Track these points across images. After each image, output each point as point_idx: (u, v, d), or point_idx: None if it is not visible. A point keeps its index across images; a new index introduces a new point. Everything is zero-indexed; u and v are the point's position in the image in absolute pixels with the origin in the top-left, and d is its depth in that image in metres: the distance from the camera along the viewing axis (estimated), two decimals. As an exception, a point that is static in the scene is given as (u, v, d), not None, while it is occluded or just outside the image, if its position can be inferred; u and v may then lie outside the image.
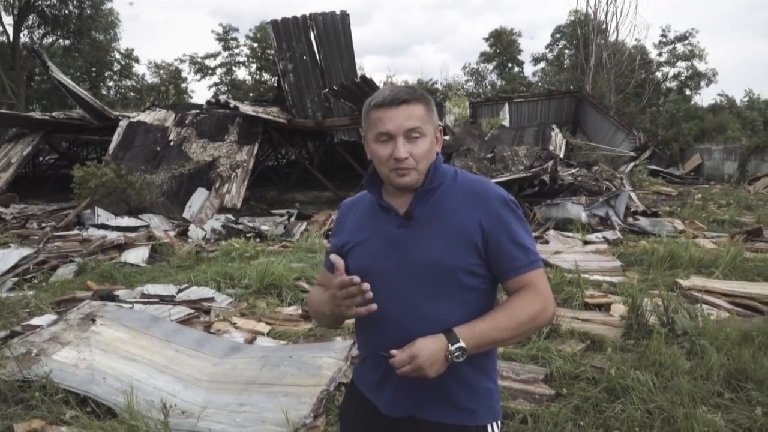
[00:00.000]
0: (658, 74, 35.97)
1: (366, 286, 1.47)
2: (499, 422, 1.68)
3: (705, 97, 44.54)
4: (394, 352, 1.47)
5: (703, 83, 35.56)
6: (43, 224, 11.07)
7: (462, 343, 1.45)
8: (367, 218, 1.70)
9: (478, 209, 1.58)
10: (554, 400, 3.48)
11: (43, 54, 15.63)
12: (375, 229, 1.66)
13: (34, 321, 4.95)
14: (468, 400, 1.61)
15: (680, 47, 35.72)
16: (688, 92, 35.50)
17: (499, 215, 1.57)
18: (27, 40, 33.34)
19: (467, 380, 1.59)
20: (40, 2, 31.87)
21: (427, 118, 1.58)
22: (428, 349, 1.45)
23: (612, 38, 32.07)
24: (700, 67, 35.35)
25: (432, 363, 1.45)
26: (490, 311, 1.57)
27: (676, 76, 36.21)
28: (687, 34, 35.29)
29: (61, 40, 35.10)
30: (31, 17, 32.88)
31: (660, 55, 36.27)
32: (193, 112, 15.07)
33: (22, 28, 32.58)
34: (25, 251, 7.75)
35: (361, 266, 1.66)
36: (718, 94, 36.63)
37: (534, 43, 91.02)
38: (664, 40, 35.93)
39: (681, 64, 35.88)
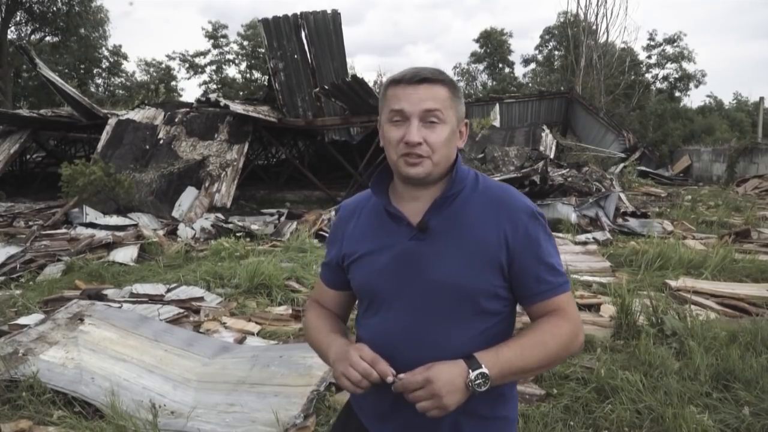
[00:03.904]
0: (648, 76, 36.26)
1: (390, 380, 1.30)
2: None
3: (694, 99, 45.01)
4: (401, 375, 1.29)
5: (692, 85, 35.93)
6: (31, 222, 10.98)
7: (484, 369, 1.27)
8: (373, 226, 1.48)
9: (503, 223, 1.38)
10: (544, 400, 3.49)
11: (30, 51, 15.46)
12: (382, 241, 1.44)
13: (22, 320, 4.90)
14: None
15: (669, 49, 36.05)
16: (677, 94, 35.83)
17: (527, 231, 1.39)
18: (14, 36, 33.07)
19: (480, 411, 1.40)
20: (28, -1, 31.63)
21: (450, 103, 1.37)
22: (447, 374, 1.25)
23: (602, 40, 32.25)
24: (689, 68, 35.73)
25: (450, 390, 1.24)
26: (515, 337, 1.39)
27: (665, 78, 36.55)
28: (675, 37, 35.64)
29: (49, 37, 34.85)
30: (18, 13, 32.59)
31: (649, 57, 36.61)
32: (183, 110, 15.01)
33: (10, 25, 32.29)
34: (12, 250, 7.68)
35: (366, 284, 1.48)
36: (707, 96, 37.06)
37: (530, 44, 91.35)
38: (652, 43, 36.27)
39: (670, 66, 36.23)
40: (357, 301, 1.60)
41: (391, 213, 1.44)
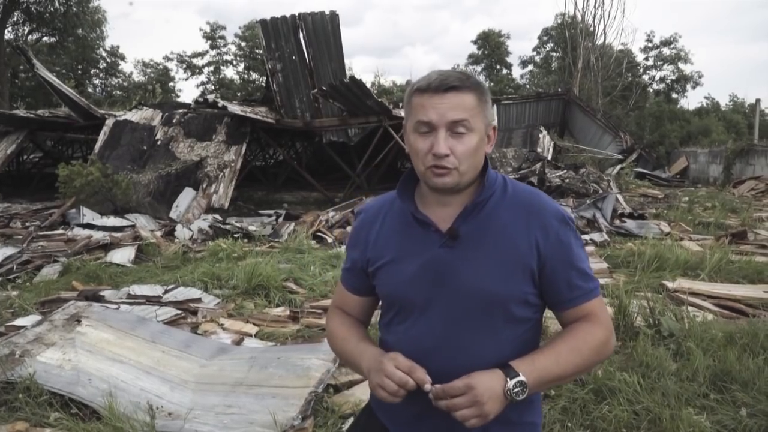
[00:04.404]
0: (645, 77, 36.38)
1: (428, 389, 1.28)
2: None
3: (691, 100, 45.32)
4: (438, 388, 1.27)
5: (689, 86, 36.07)
6: (28, 223, 10.95)
7: (522, 377, 1.26)
8: (399, 232, 1.45)
9: (534, 228, 1.37)
10: (542, 401, 3.48)
11: (28, 51, 15.45)
12: (410, 247, 1.41)
13: (18, 321, 4.89)
14: None
15: (666, 51, 36.20)
16: (674, 95, 35.97)
17: (558, 236, 1.37)
18: (12, 36, 32.99)
19: (509, 417, 1.37)
20: (25, -1, 31.56)
21: (478, 110, 1.34)
22: (487, 381, 1.25)
23: (599, 42, 32.32)
24: (686, 69, 35.89)
25: (491, 397, 1.23)
26: (549, 344, 1.38)
27: (662, 79, 36.67)
28: (671, 39, 35.80)
29: (46, 37, 34.79)
30: (16, 14, 32.52)
31: (647, 59, 36.74)
32: (181, 111, 15.00)
33: (7, 25, 32.23)
34: (9, 251, 7.67)
35: (395, 292, 1.45)
36: (705, 97, 37.20)
37: (527, 45, 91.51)
38: (649, 45, 36.42)
39: (667, 68, 36.37)
40: (381, 306, 1.57)
41: (419, 219, 1.41)
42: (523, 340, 1.40)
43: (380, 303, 1.59)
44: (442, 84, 1.31)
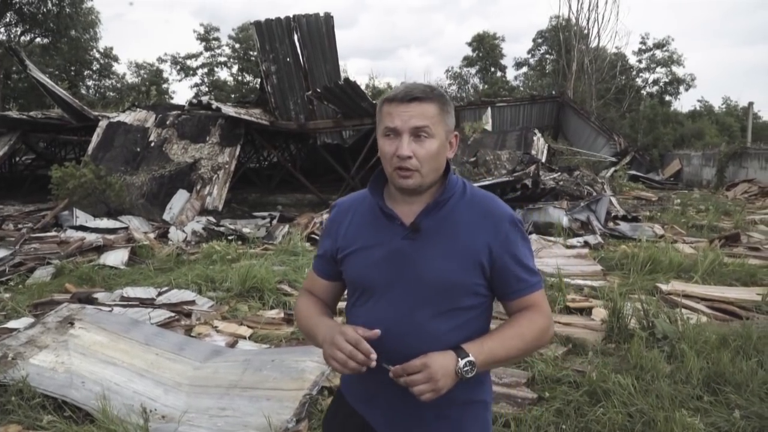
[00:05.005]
0: (639, 80, 36.53)
1: (373, 358, 1.41)
2: None
3: (684, 103, 45.48)
4: (398, 367, 1.42)
5: (681, 88, 36.24)
6: (20, 225, 10.89)
7: (471, 357, 1.43)
8: (368, 224, 1.62)
9: (487, 229, 1.54)
10: (536, 403, 3.50)
11: (20, 52, 15.37)
12: (377, 237, 1.58)
13: (11, 324, 4.87)
14: (459, 415, 1.58)
15: (659, 53, 36.38)
16: (667, 98, 36.13)
17: (508, 236, 1.54)
18: (4, 37, 32.82)
19: (460, 396, 1.54)
20: (18, 0, 31.36)
21: (438, 119, 1.52)
22: (441, 361, 1.41)
23: (593, 44, 32.42)
24: (679, 72, 36.07)
25: (444, 374, 1.39)
26: (497, 329, 1.55)
27: (655, 82, 36.84)
28: (664, 42, 35.98)
29: (39, 39, 34.61)
30: (8, 15, 32.35)
31: (640, 62, 36.90)
32: (175, 112, 14.94)
33: (0, 26, 32.08)
34: (1, 252, 7.63)
35: (360, 276, 1.61)
36: (698, 100, 37.38)
37: (522, 48, 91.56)
38: (643, 47, 36.58)
39: (660, 70, 36.54)
40: (347, 292, 1.73)
41: (386, 212, 1.58)
42: (472, 325, 1.55)
43: (346, 291, 1.76)
44: (407, 95, 1.50)
